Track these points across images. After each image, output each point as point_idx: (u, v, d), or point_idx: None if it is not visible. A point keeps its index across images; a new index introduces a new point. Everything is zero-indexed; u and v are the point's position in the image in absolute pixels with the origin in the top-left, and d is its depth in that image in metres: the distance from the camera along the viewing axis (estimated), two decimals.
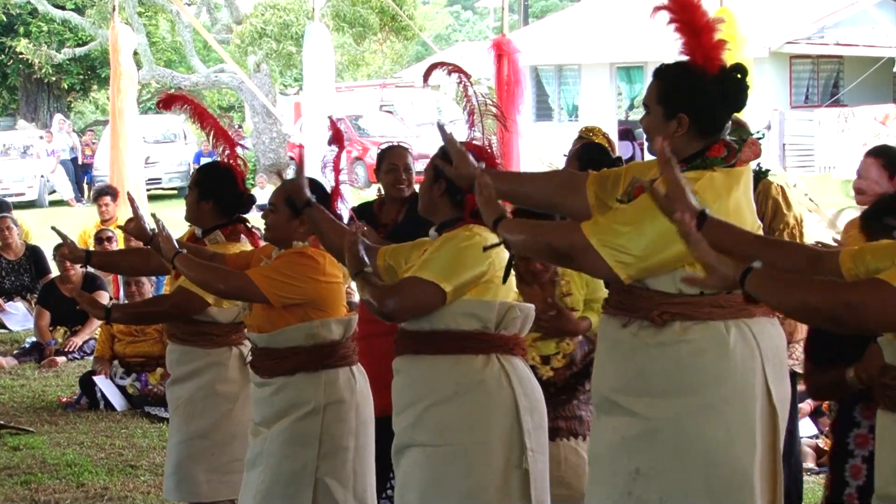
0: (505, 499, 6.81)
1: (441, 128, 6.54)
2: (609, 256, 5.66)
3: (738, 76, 5.86)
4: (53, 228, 9.39)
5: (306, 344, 7.95)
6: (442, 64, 7.81)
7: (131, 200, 8.72)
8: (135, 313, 8.41)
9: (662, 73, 5.82)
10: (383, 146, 9.59)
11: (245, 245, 9.07)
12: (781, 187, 9.15)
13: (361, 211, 9.92)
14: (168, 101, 9.93)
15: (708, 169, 5.88)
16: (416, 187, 8.75)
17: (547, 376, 7.31)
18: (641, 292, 5.96)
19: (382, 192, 10.06)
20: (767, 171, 9.40)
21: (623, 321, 6.04)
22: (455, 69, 7.74)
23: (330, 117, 9.05)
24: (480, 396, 6.84)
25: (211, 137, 9.41)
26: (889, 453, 5.05)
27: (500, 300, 6.78)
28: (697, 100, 5.68)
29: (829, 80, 48.77)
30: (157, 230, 8.07)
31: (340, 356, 8.16)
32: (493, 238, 6.41)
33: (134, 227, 8.77)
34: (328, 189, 8.60)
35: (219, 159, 9.35)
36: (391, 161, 9.95)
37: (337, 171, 8.66)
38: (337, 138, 8.70)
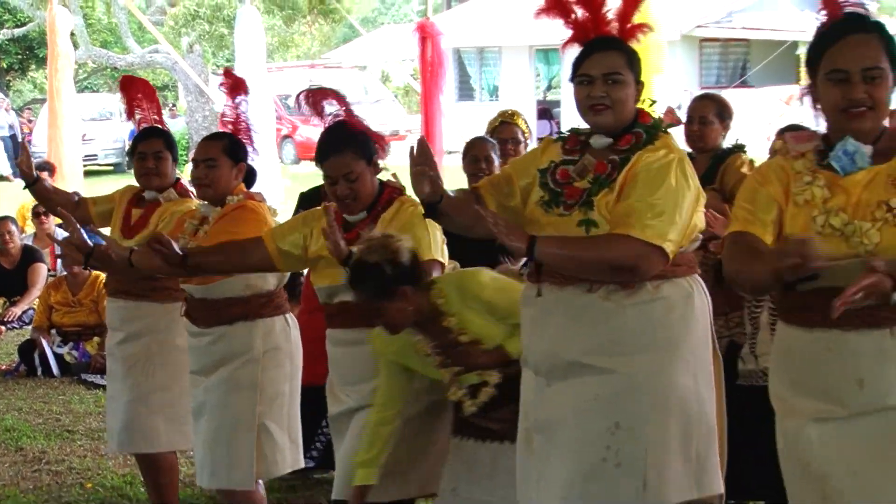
0: None
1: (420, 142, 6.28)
2: (670, 250, 5.70)
3: None
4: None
5: (244, 294, 7.92)
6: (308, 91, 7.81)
7: (67, 219, 8.63)
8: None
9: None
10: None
11: (191, 202, 8.92)
12: (750, 161, 9.16)
13: (310, 196, 9.90)
14: (127, 82, 10.04)
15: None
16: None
17: (470, 411, 6.77)
18: None
19: None
20: (742, 146, 9.44)
21: (586, 287, 5.98)
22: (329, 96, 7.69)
23: (226, 68, 9.10)
24: None
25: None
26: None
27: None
28: None
29: (737, 63, 48.82)
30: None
31: (276, 305, 8.18)
32: None
33: (76, 238, 8.55)
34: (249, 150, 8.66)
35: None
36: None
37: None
38: (239, 87, 8.88)
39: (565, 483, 6.12)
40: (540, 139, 6.70)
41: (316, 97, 7.55)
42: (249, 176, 8.83)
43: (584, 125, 6.30)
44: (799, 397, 5.17)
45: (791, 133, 5.37)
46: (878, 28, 5.21)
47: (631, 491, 6.06)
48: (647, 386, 6.05)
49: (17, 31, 49.75)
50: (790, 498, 5.40)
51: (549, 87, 49.64)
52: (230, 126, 8.50)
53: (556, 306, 6.09)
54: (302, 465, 8.43)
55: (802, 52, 46.12)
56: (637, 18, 6.32)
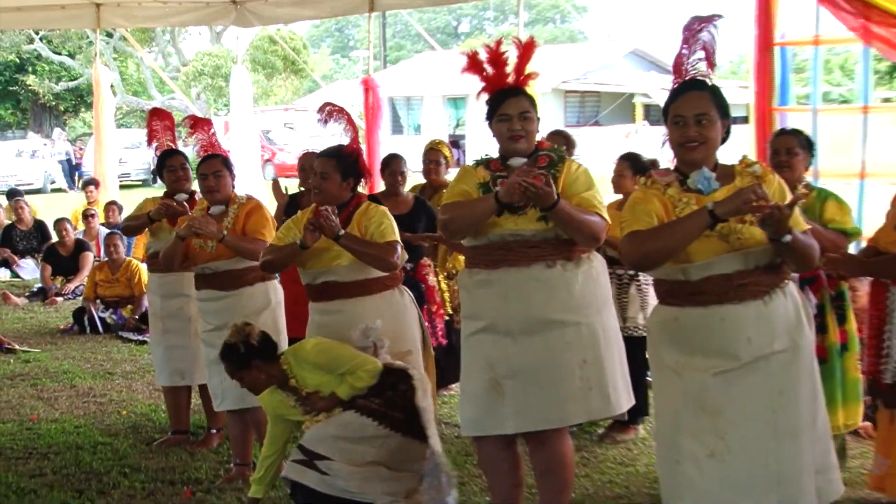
0: None
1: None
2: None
3: None
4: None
5: (252, 264, 7.85)
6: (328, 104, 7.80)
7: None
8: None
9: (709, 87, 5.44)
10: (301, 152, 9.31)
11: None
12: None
13: (291, 200, 9.88)
14: (154, 115, 9.88)
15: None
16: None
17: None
18: (560, 243, 6.16)
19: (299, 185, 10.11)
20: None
21: (546, 264, 6.14)
22: (337, 110, 7.73)
23: (190, 115, 9.07)
24: None
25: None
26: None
27: None
28: None
29: (591, 108, 48.85)
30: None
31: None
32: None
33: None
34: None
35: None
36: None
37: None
38: (200, 124, 8.77)
39: (551, 408, 6.19)
40: (457, 162, 6.82)
41: (332, 112, 7.65)
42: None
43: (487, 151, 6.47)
44: (696, 358, 5.22)
45: (655, 171, 5.48)
46: (710, 87, 5.33)
47: (601, 406, 6.28)
48: (601, 330, 6.29)
49: (71, 84, 49.46)
50: (677, 431, 5.36)
51: (457, 125, 49.56)
52: (209, 149, 8.44)
53: (525, 281, 6.18)
54: None
55: (637, 100, 46.46)
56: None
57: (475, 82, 6.53)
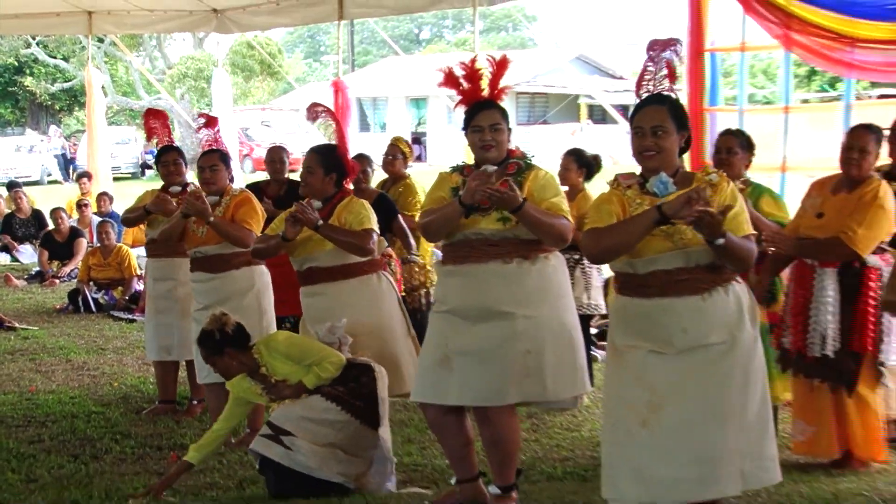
0: None
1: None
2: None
3: None
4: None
5: (240, 249, 7.95)
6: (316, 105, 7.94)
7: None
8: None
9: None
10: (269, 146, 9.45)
11: None
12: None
13: (254, 188, 9.81)
14: (150, 115, 9.90)
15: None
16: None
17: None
18: (519, 242, 6.18)
19: (269, 176, 10.03)
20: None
21: (503, 261, 6.19)
22: (325, 110, 7.97)
23: (203, 112, 9.11)
24: None
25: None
26: None
27: None
28: None
29: (540, 109, 48.94)
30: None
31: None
32: None
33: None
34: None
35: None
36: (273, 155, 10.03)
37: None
38: (211, 122, 8.75)
39: (491, 387, 6.24)
40: (417, 158, 6.83)
41: (319, 112, 7.82)
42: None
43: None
44: (639, 341, 5.25)
45: (620, 174, 5.43)
46: (669, 101, 5.34)
47: (537, 391, 6.28)
48: (547, 324, 6.27)
49: (66, 85, 49.15)
50: (618, 401, 5.43)
51: (418, 124, 49.63)
52: (213, 144, 8.42)
53: (483, 275, 6.24)
54: None
55: (582, 101, 46.59)
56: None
57: (435, 85, 6.56)
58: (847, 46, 9.15)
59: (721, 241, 4.92)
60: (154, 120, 9.53)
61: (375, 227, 7.32)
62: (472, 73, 6.42)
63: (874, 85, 10.68)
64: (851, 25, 9.07)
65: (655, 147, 5.22)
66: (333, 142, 7.76)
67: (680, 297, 5.17)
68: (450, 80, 6.50)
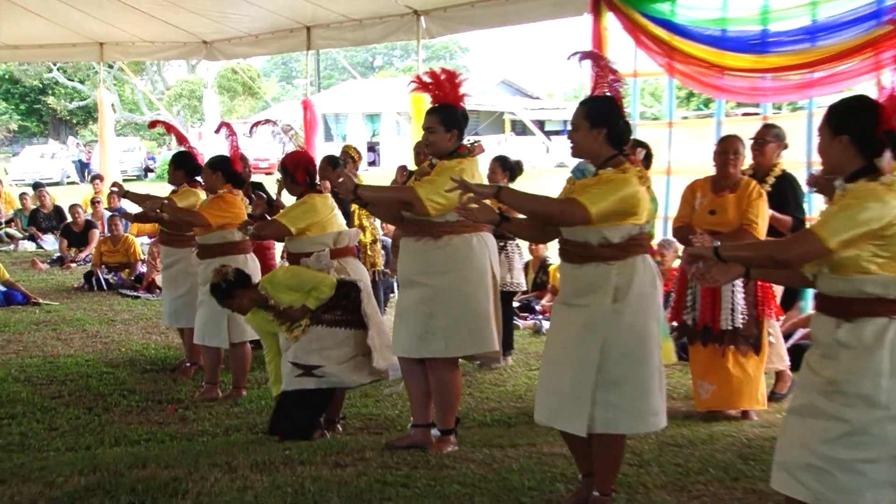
0: None
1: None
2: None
3: None
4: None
5: (232, 240, 8.04)
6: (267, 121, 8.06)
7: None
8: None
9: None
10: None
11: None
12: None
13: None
14: (154, 124, 9.99)
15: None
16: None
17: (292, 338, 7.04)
18: (430, 224, 6.16)
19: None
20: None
21: (416, 238, 6.24)
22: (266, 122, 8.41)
23: (224, 123, 9.01)
24: None
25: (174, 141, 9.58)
26: None
27: None
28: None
29: (473, 123, 48.88)
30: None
31: (247, 247, 8.23)
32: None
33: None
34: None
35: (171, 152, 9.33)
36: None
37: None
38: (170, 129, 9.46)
39: (408, 342, 6.39)
40: (371, 163, 6.84)
41: (285, 129, 7.98)
42: (194, 171, 8.91)
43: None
44: (560, 297, 5.28)
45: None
46: (583, 102, 5.24)
47: (439, 347, 6.28)
48: (447, 292, 6.25)
49: (82, 103, 48.62)
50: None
51: (373, 135, 49.44)
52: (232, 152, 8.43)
53: (405, 250, 6.41)
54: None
55: (506, 117, 46.58)
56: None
57: (387, 103, 6.63)
58: (718, 74, 9.22)
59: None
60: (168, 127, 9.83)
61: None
62: (438, 81, 6.41)
63: (739, 105, 10.74)
64: (721, 57, 9.13)
65: (572, 140, 5.11)
66: (303, 149, 7.77)
67: (565, 262, 5.15)
68: (422, 85, 6.50)
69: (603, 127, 5.02)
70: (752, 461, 6.18)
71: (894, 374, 3.83)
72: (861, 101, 4.14)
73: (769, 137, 7.60)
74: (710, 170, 9.34)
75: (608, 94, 5.18)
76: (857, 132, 3.97)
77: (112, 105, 24.60)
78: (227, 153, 8.37)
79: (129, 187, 10.17)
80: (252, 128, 8.75)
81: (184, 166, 8.94)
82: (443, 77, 6.38)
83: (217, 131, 8.77)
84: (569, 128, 5.30)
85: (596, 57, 5.69)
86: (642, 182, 4.98)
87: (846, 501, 3.87)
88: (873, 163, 3.95)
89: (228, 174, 8.17)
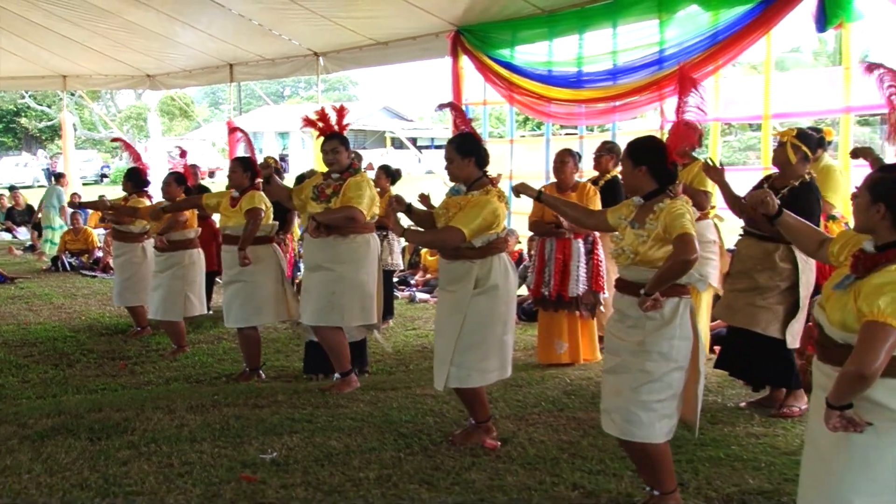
0: None
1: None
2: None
3: None
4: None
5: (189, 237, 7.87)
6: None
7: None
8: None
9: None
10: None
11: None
12: None
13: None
14: (116, 140, 9.71)
15: None
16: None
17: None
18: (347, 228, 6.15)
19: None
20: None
21: (325, 234, 6.13)
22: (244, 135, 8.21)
23: (119, 138, 8.87)
24: None
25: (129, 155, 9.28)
26: None
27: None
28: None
29: (361, 140, 48.75)
30: None
31: (197, 243, 8.02)
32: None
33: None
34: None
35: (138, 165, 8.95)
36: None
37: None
38: (127, 147, 9.04)
39: (311, 312, 6.33)
40: (279, 171, 6.71)
41: (238, 136, 7.85)
42: (143, 184, 8.78)
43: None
44: (440, 284, 5.21)
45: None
46: (451, 140, 5.20)
47: (337, 317, 6.29)
48: (348, 277, 6.23)
49: (49, 123, 46.84)
50: None
51: (283, 148, 48.75)
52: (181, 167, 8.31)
53: (317, 242, 6.20)
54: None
55: (387, 135, 46.42)
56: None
57: (296, 124, 6.62)
58: (546, 103, 9.33)
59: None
60: (125, 144, 9.46)
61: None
62: (324, 117, 6.39)
63: (562, 126, 10.90)
64: (548, 91, 9.24)
65: (447, 162, 5.07)
66: (248, 155, 7.58)
67: (442, 257, 5.14)
68: (309, 122, 6.48)
69: (471, 156, 5.05)
70: (573, 396, 6.30)
71: (682, 337, 3.94)
72: (654, 140, 4.23)
73: (603, 152, 7.73)
74: (541, 175, 9.46)
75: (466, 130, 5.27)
76: (653, 164, 4.04)
77: (73, 125, 23.97)
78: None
79: (87, 190, 9.88)
80: (181, 153, 8.56)
81: (134, 180, 8.78)
82: (331, 112, 6.41)
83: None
84: (435, 143, 5.31)
85: (454, 106, 6.04)
86: (501, 199, 5.03)
87: (644, 432, 3.96)
88: (666, 187, 4.03)
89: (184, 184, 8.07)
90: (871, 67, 3.14)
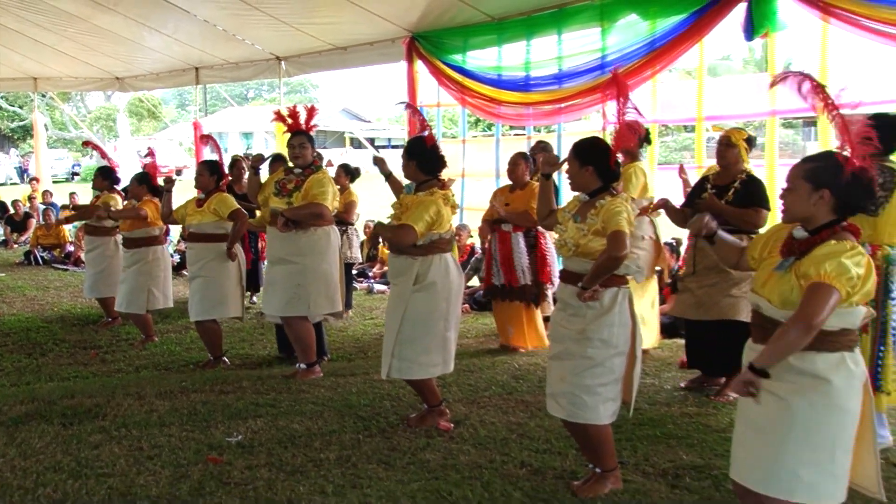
0: None
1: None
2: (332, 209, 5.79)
3: None
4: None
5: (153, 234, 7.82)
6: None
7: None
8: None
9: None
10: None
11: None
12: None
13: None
14: (86, 143, 9.57)
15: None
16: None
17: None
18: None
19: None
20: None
21: (287, 229, 6.09)
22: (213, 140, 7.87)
23: (89, 142, 8.79)
24: None
25: (96, 154, 9.16)
26: None
27: None
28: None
29: (321, 140, 48.52)
30: None
31: (161, 239, 7.95)
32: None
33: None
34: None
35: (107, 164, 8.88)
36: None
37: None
38: (95, 148, 8.69)
39: (277, 304, 6.26)
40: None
41: (208, 140, 7.76)
42: (115, 181, 8.74)
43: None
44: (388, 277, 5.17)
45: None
46: (408, 145, 5.15)
47: (304, 307, 6.24)
48: (310, 268, 6.19)
49: (21, 123, 45.91)
50: None
51: (248, 147, 48.26)
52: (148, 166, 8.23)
53: (280, 236, 6.16)
54: None
55: (346, 135, 46.21)
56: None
57: (258, 125, 6.56)
58: (496, 105, 9.35)
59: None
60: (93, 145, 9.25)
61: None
62: (294, 114, 6.34)
63: (512, 127, 10.94)
64: (498, 94, 9.26)
65: (404, 171, 5.04)
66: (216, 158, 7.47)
67: (389, 252, 5.10)
68: (280, 118, 6.45)
69: (413, 160, 4.99)
70: (521, 380, 6.33)
71: (622, 324, 3.96)
72: (599, 141, 4.21)
73: (538, 150, 7.77)
74: (491, 173, 9.45)
75: (424, 134, 5.17)
76: (599, 164, 4.07)
77: (45, 125, 23.55)
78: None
79: (58, 188, 9.74)
80: (149, 151, 8.45)
81: (107, 178, 8.72)
82: (300, 111, 6.37)
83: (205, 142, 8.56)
84: (392, 143, 5.33)
85: (412, 108, 6.09)
86: (446, 201, 5.00)
87: (589, 414, 3.99)
88: (609, 185, 4.06)
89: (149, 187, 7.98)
90: (783, 77, 3.19)
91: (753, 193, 5.64)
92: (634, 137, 4.33)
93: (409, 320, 4.94)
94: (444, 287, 4.96)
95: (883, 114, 4.38)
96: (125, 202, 8.27)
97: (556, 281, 7.10)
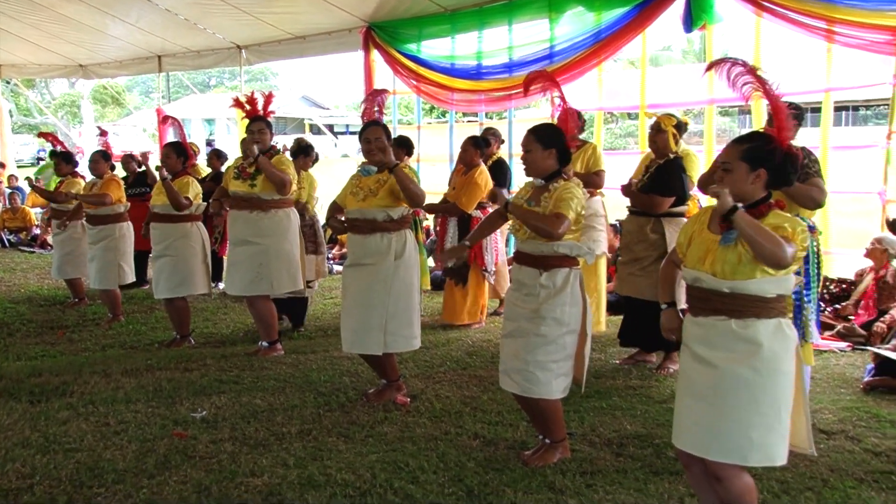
0: None
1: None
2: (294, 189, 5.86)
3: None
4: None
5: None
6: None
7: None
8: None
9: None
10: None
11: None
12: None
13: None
14: (42, 135, 9.32)
15: None
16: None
17: None
18: (259, 200, 6.01)
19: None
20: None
21: (249, 210, 6.04)
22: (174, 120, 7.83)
23: (45, 134, 8.63)
24: None
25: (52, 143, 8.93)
26: None
27: None
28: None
29: (281, 127, 48.28)
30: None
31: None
32: None
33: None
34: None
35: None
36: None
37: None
38: (54, 139, 8.67)
39: (240, 283, 6.18)
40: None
41: (169, 121, 7.87)
42: (75, 165, 8.65)
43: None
44: (350, 261, 5.07)
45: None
46: (377, 124, 5.09)
47: (266, 286, 6.15)
48: (272, 249, 6.09)
49: None
50: None
51: (210, 134, 47.56)
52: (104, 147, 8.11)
53: (238, 219, 6.11)
54: None
55: (306, 122, 45.76)
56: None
57: (220, 111, 6.47)
58: (449, 93, 9.34)
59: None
60: (50, 136, 8.99)
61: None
62: (252, 101, 6.28)
63: (464, 114, 10.92)
64: (451, 82, 9.26)
65: (374, 149, 4.93)
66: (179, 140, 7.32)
67: (367, 235, 4.94)
68: (238, 104, 6.38)
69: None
70: (475, 356, 6.35)
71: (573, 303, 3.96)
72: (556, 126, 4.18)
73: (490, 136, 7.74)
74: (445, 158, 9.41)
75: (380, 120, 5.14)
76: (560, 147, 4.05)
77: (10, 111, 22.83)
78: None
79: (24, 172, 9.52)
80: (102, 133, 8.30)
81: (69, 162, 8.61)
82: (258, 98, 6.30)
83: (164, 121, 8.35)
84: (350, 129, 5.27)
85: (382, 92, 5.70)
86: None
87: (541, 389, 4.00)
88: (562, 169, 4.05)
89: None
90: (712, 66, 3.22)
91: (661, 176, 5.70)
92: (572, 124, 4.35)
93: (395, 295, 4.93)
94: (414, 261, 5.03)
95: (793, 102, 4.46)
96: (87, 182, 8.13)
97: (492, 265, 7.16)
